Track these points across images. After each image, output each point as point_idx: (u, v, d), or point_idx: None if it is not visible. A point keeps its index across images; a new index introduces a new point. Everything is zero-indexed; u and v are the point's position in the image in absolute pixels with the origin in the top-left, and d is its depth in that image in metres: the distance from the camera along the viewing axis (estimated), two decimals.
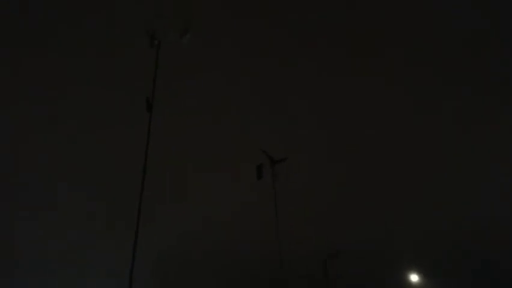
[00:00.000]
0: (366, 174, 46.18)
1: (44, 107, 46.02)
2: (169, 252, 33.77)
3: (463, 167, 46.66)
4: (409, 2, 52.04)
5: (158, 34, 17.41)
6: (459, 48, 52.37)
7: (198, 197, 40.60)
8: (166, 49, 18.61)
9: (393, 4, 52.85)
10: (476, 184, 43.67)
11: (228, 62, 54.91)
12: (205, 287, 33.40)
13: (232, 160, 43.09)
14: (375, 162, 47.82)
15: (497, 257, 33.43)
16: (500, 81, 50.07)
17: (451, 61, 53.53)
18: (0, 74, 44.80)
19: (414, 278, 29.43)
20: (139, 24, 16.86)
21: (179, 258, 33.32)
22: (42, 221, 39.05)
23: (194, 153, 45.47)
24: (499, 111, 50.54)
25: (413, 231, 37.87)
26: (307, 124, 52.97)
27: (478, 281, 32.46)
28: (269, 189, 22.32)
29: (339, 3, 56.27)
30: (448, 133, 50.76)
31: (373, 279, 32.08)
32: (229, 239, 35.18)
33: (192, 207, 39.71)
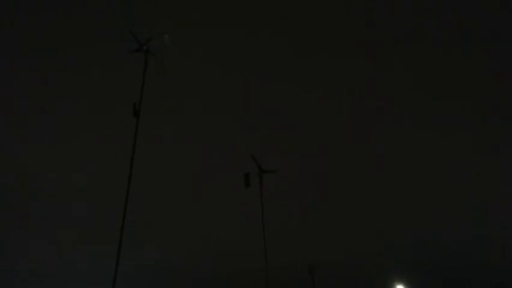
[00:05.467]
0: (354, 188, 46.82)
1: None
2: (157, 264, 33.22)
3: (448, 184, 47.59)
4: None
5: (146, 41, 17.36)
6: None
7: (187, 210, 40.29)
8: (154, 60, 18.56)
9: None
10: (459, 202, 44.62)
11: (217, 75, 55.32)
12: None
13: (221, 171, 43.06)
14: (365, 178, 48.46)
15: (475, 270, 34.50)
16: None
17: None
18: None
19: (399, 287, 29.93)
20: (127, 32, 16.81)
21: (169, 269, 32.78)
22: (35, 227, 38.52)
23: (182, 164, 45.21)
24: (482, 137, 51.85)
25: (400, 245, 38.43)
26: (295, 140, 53.74)
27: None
28: (257, 199, 22.10)
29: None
30: (434, 148, 51.75)
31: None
32: (218, 250, 34.88)
33: (181, 219, 39.35)
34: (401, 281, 30.00)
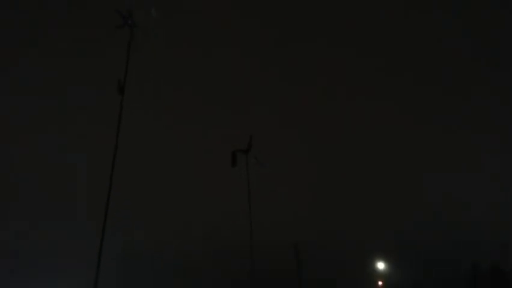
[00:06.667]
0: (339, 170, 46.80)
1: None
2: (142, 246, 33.38)
3: (425, 169, 47.67)
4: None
5: (131, 14, 17.39)
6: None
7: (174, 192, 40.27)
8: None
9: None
10: (435, 185, 44.78)
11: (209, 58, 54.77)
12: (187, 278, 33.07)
13: (208, 150, 42.93)
14: (349, 158, 48.46)
15: (454, 250, 35.24)
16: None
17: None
18: None
19: (380, 265, 30.72)
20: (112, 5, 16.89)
21: (154, 251, 33.00)
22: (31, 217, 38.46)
23: (169, 144, 44.82)
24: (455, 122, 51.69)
25: (381, 224, 38.74)
26: (285, 121, 53.28)
27: (435, 266, 34.67)
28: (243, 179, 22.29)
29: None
30: (413, 135, 51.64)
31: (344, 267, 32.89)
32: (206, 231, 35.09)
33: (168, 204, 39.45)
34: (381, 259, 30.79)
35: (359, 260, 30.94)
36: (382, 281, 29.76)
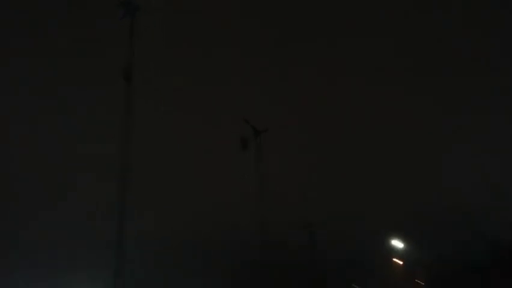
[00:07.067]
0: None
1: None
2: (152, 232, 33.35)
3: (438, 146, 47.78)
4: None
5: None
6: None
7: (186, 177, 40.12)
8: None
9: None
10: (447, 162, 44.96)
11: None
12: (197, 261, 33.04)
13: (217, 133, 42.91)
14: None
15: (470, 228, 35.31)
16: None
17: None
18: None
19: (396, 243, 30.74)
20: None
21: (166, 236, 33.00)
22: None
23: (176, 128, 44.69)
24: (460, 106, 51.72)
25: (396, 203, 38.98)
26: (293, 103, 53.26)
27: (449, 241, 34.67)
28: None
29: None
30: (424, 113, 51.61)
31: (360, 245, 32.97)
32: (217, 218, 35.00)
33: (182, 188, 39.31)
34: (396, 236, 31.10)
35: (370, 251, 30.85)
36: (402, 260, 29.74)
